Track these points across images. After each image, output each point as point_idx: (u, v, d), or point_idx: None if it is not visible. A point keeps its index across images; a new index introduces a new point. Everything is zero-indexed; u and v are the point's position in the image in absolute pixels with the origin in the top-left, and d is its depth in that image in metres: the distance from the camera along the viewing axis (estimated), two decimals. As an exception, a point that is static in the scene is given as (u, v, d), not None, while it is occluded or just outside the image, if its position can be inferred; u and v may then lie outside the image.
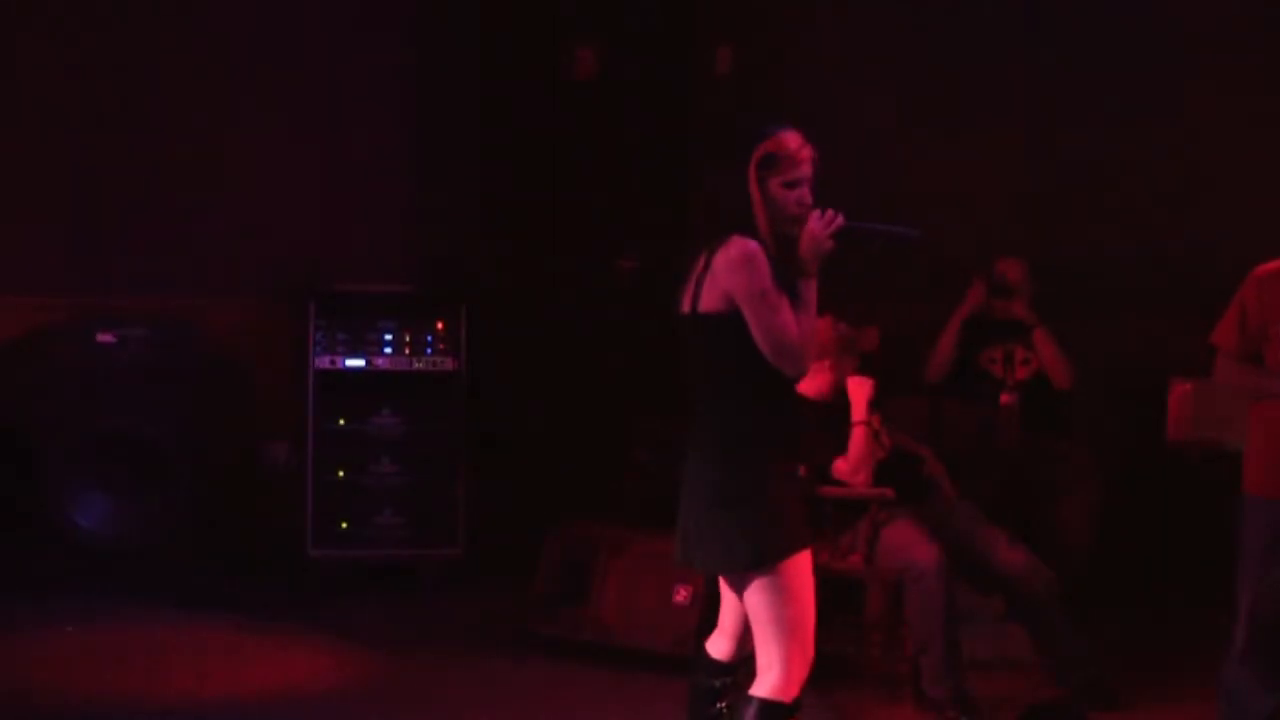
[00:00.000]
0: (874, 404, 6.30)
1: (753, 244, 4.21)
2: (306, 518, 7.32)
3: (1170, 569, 7.12)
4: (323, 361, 7.37)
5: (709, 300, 4.23)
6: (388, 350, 7.42)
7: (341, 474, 7.37)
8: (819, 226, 4.33)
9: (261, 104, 7.91)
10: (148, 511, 7.25)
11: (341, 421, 7.38)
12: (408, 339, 7.44)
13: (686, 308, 4.30)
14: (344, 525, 7.36)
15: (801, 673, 4.23)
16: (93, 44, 7.78)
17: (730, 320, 4.19)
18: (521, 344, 7.71)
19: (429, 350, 7.44)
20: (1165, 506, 7.22)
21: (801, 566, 4.25)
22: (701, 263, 4.27)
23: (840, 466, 6.30)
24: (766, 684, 4.22)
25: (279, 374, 7.62)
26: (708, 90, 8.08)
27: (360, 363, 7.40)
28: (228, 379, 7.73)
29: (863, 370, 6.44)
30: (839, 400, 6.34)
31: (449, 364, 7.44)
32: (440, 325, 7.45)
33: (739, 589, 4.30)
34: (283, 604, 7.02)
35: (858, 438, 6.30)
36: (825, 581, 6.27)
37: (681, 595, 6.30)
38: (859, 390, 6.36)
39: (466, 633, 6.79)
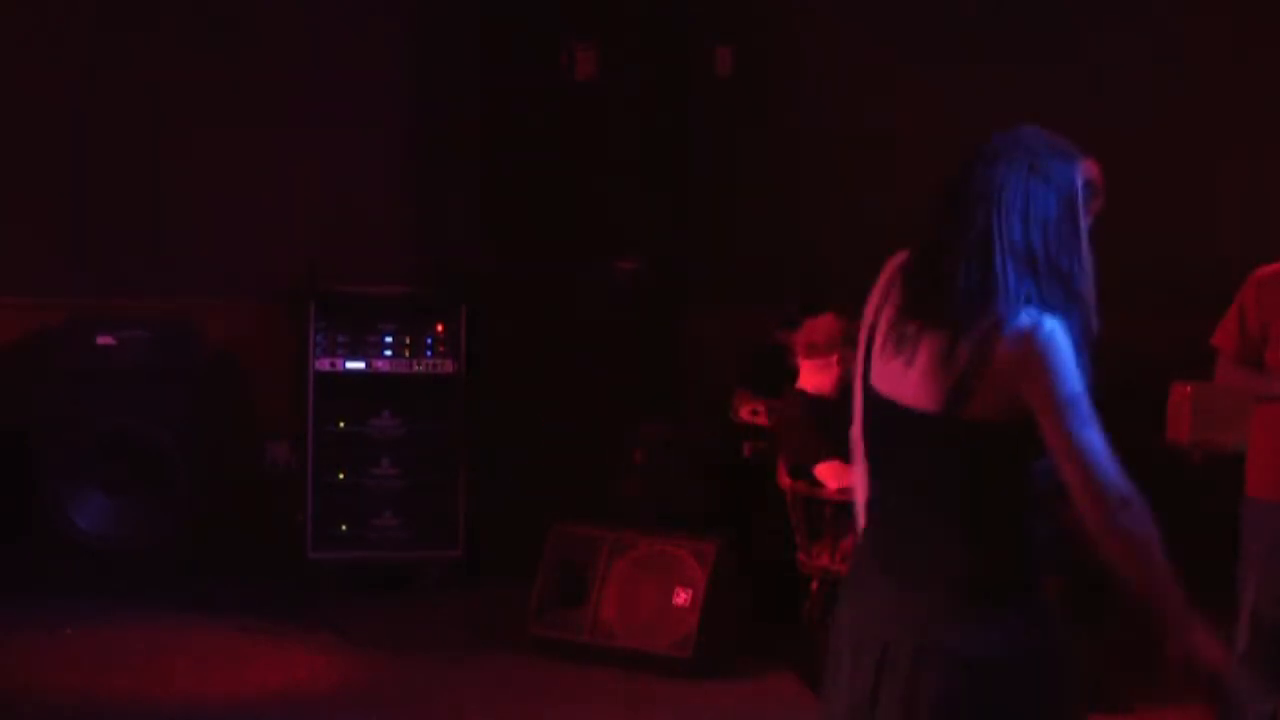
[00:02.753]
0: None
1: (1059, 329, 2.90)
2: (307, 519, 7.31)
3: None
4: (323, 363, 7.37)
5: (982, 404, 2.91)
6: (388, 352, 7.42)
7: (341, 476, 7.37)
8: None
9: (261, 105, 7.90)
10: (148, 513, 7.25)
11: (341, 423, 7.37)
12: (408, 341, 7.43)
13: (920, 401, 2.95)
14: (344, 527, 7.36)
15: None
16: (93, 45, 7.77)
17: (1007, 430, 2.95)
18: (521, 345, 7.71)
19: (429, 352, 7.44)
20: (1165, 508, 7.20)
21: None
22: (947, 339, 2.91)
23: (823, 469, 6.28)
24: None
25: (279, 376, 7.62)
26: (708, 91, 8.08)
27: (360, 365, 7.40)
28: (228, 381, 7.73)
29: None
30: (843, 399, 6.34)
31: (449, 366, 7.44)
32: (440, 327, 7.45)
33: None
34: (283, 605, 7.01)
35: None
36: (825, 583, 6.31)
37: (681, 597, 6.30)
38: None
39: (466, 633, 6.79)
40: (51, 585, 7.08)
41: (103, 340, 7.29)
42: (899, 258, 3.07)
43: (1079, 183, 2.99)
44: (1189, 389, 7.03)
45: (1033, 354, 2.86)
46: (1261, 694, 5.05)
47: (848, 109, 8.05)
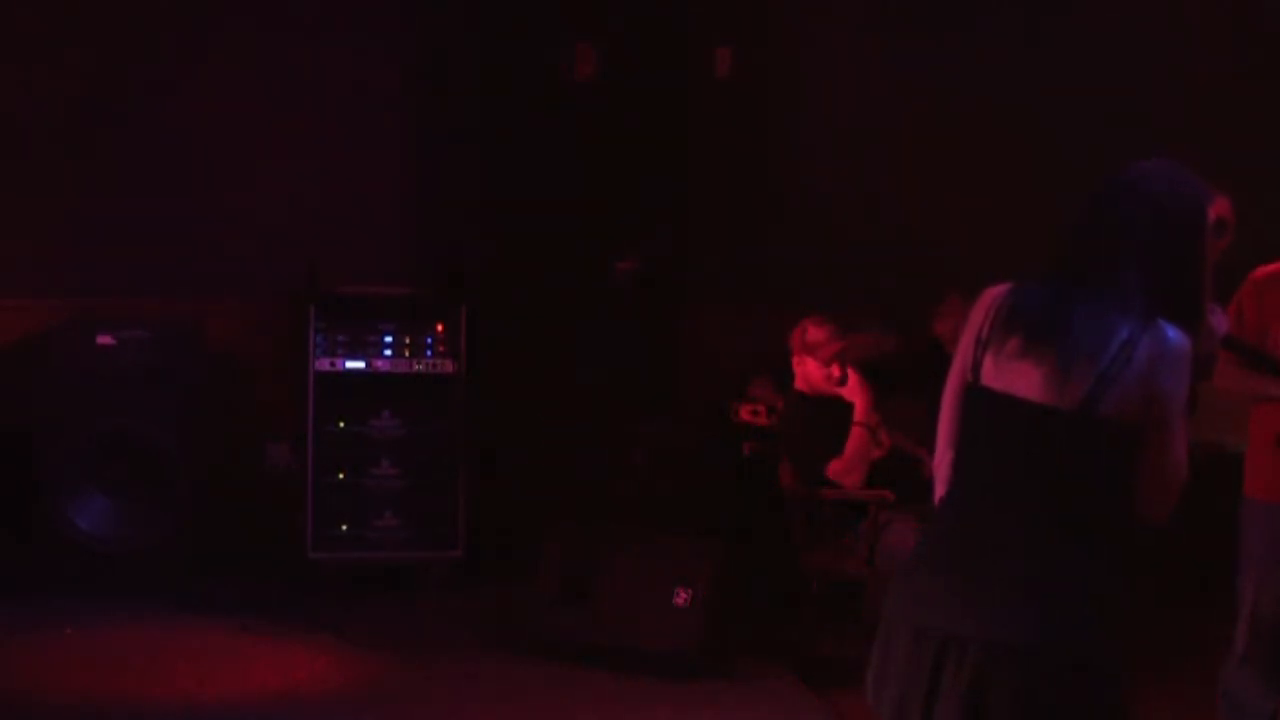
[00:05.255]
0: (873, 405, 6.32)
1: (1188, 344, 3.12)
2: (306, 520, 7.31)
3: (1171, 570, 7.11)
4: (323, 363, 7.37)
5: (1120, 401, 3.08)
6: (388, 352, 7.42)
7: (341, 476, 7.37)
8: (1221, 322, 3.36)
9: (261, 106, 7.90)
10: (147, 513, 7.25)
11: (341, 424, 7.37)
12: (408, 341, 7.43)
13: (1054, 398, 3.11)
14: (344, 527, 7.36)
15: None
16: (93, 45, 7.78)
17: (1134, 432, 3.11)
18: (521, 345, 7.71)
19: (429, 352, 7.44)
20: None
21: None
22: (1089, 341, 3.10)
23: (835, 466, 6.31)
24: None
25: (279, 376, 7.62)
26: (707, 91, 8.09)
27: (360, 365, 7.40)
28: (228, 381, 7.73)
29: (872, 375, 6.47)
30: (833, 398, 6.36)
31: (449, 366, 7.44)
32: (440, 327, 7.45)
33: None
34: (283, 605, 7.01)
35: (856, 439, 6.32)
36: (826, 584, 6.31)
37: (681, 597, 6.30)
38: (862, 391, 6.37)
39: (466, 633, 6.78)
40: (51, 585, 7.08)
41: (103, 340, 7.29)
42: (999, 289, 3.24)
43: (1208, 220, 3.22)
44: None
45: (1172, 355, 3.07)
46: (1262, 694, 5.05)
47: (847, 109, 8.05)
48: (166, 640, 6.54)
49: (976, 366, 3.19)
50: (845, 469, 6.28)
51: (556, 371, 7.67)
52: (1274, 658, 5.04)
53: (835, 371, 6.45)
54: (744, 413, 7.24)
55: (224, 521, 7.44)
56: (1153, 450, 3.12)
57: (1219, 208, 3.23)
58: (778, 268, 8.07)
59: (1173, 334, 3.09)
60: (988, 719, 3.09)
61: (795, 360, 6.62)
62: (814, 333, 6.52)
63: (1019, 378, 3.13)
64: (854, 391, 6.44)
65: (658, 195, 7.87)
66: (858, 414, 6.34)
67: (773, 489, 6.59)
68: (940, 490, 3.28)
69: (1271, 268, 5.07)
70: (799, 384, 6.64)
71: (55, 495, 7.15)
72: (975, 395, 3.20)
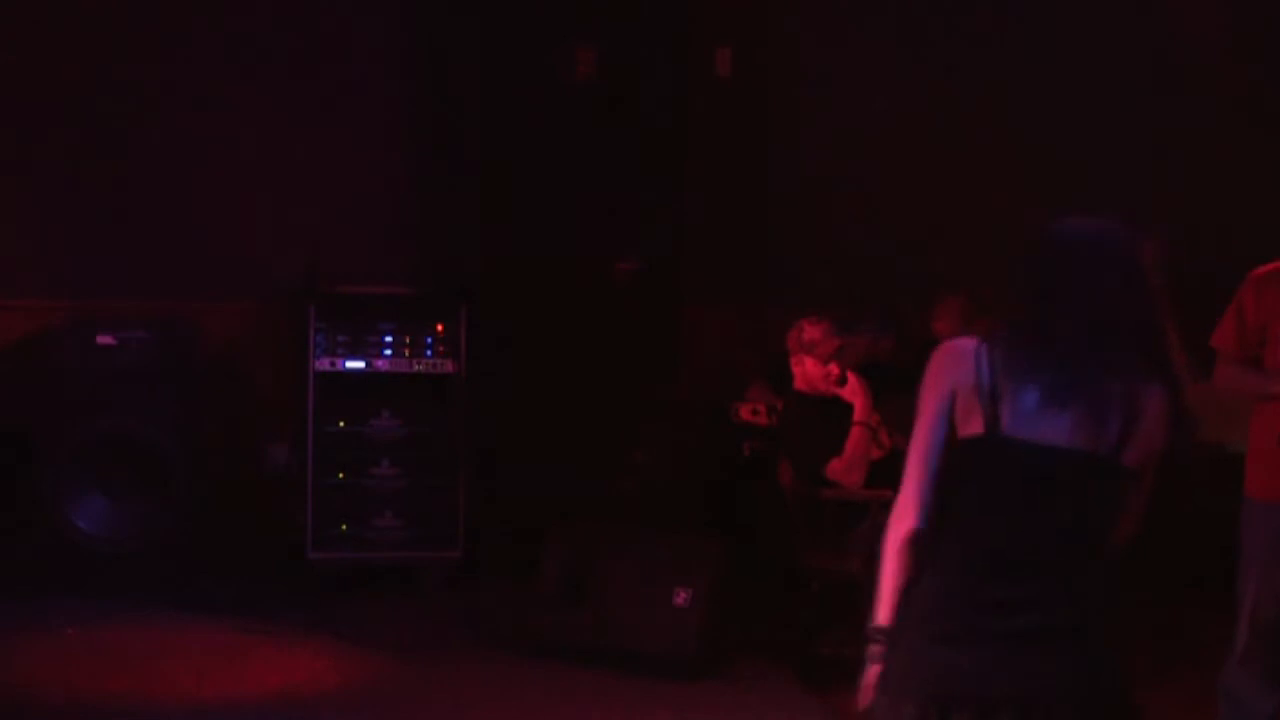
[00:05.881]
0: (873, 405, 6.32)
1: None
2: (306, 520, 7.31)
3: (1171, 570, 7.11)
4: (323, 363, 7.36)
5: (1137, 451, 3.23)
6: (387, 352, 7.42)
7: (341, 476, 7.36)
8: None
9: (261, 106, 7.91)
10: (148, 513, 7.25)
11: (341, 424, 7.37)
12: (407, 341, 7.43)
13: (1090, 444, 3.19)
14: (344, 527, 7.35)
15: None
16: (93, 46, 7.78)
17: (1138, 479, 3.28)
18: (521, 345, 7.71)
19: (429, 352, 7.44)
20: (1165, 508, 7.20)
21: None
22: (1114, 392, 3.21)
23: (835, 466, 6.31)
24: None
25: (279, 376, 7.62)
26: (707, 91, 8.09)
27: (360, 365, 7.39)
28: (228, 381, 7.73)
29: (873, 373, 6.47)
30: (832, 398, 6.36)
31: (449, 366, 7.44)
32: (440, 327, 7.45)
33: None
34: (283, 606, 7.01)
35: (856, 438, 6.31)
36: (826, 584, 6.31)
37: (681, 597, 6.30)
38: (862, 392, 6.37)
39: (466, 633, 6.79)
40: (51, 585, 7.08)
41: (103, 340, 7.29)
42: (969, 343, 3.27)
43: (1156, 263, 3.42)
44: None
45: (1173, 412, 3.23)
46: (1261, 693, 5.05)
47: (847, 109, 8.05)
48: (166, 640, 6.54)
49: (993, 417, 3.18)
50: (845, 469, 6.28)
51: (556, 371, 7.67)
52: (1274, 658, 5.04)
53: (834, 370, 6.46)
54: (744, 413, 7.24)
55: (224, 521, 7.44)
56: (1134, 492, 3.26)
57: (1157, 248, 3.46)
58: (777, 268, 8.07)
59: (1174, 387, 3.26)
60: None
61: (794, 360, 6.62)
62: (810, 331, 6.53)
63: (1049, 427, 3.18)
64: (854, 392, 6.45)
65: (658, 195, 7.86)
66: (857, 414, 6.34)
67: (773, 489, 6.59)
68: (904, 529, 3.23)
69: (1271, 266, 5.07)
70: (798, 384, 6.64)
71: (55, 495, 7.15)
72: (996, 445, 3.19)
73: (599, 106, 7.82)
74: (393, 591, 7.35)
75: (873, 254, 7.91)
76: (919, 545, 3.22)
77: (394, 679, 6.26)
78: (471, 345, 7.44)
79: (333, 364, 7.37)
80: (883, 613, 3.26)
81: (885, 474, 6.19)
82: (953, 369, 3.25)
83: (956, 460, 3.23)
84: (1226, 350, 5.11)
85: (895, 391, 6.74)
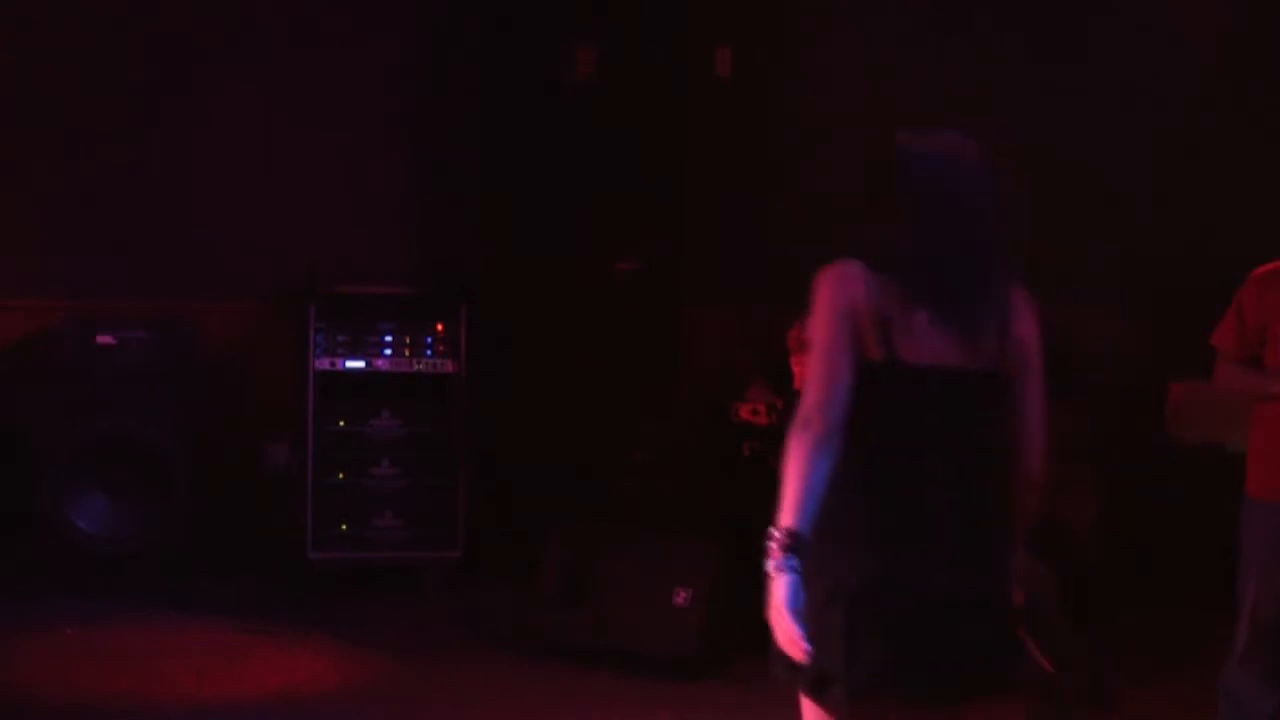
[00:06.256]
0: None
1: None
2: (306, 520, 7.31)
3: (1171, 570, 7.12)
4: (323, 363, 7.36)
5: (1011, 356, 3.43)
6: (387, 352, 7.42)
7: (341, 476, 7.36)
8: None
9: (261, 106, 7.91)
10: (147, 513, 7.25)
11: (341, 423, 7.37)
12: (407, 341, 7.43)
13: (967, 362, 3.39)
14: (344, 527, 7.35)
15: None
16: (92, 47, 7.78)
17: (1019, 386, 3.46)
18: (521, 345, 7.71)
19: (429, 352, 7.44)
20: (1165, 507, 7.22)
21: None
22: (988, 306, 3.41)
23: None
24: None
25: (279, 376, 7.62)
26: (707, 91, 8.09)
27: (360, 364, 7.39)
28: (227, 381, 7.73)
29: None
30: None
31: (449, 366, 7.44)
32: (440, 327, 7.45)
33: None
34: (282, 606, 7.01)
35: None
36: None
37: (681, 597, 6.30)
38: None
39: (466, 633, 6.79)
40: (51, 585, 7.08)
41: (103, 340, 7.29)
42: (853, 268, 3.40)
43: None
44: (1189, 388, 7.03)
45: (1030, 307, 3.45)
46: (1261, 693, 5.05)
47: (847, 109, 8.05)
48: (166, 640, 6.54)
49: (889, 344, 3.33)
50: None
51: (556, 371, 7.67)
52: (1274, 657, 5.04)
53: None
54: (744, 412, 7.23)
55: (224, 521, 7.44)
56: (1026, 397, 3.42)
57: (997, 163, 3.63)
58: (777, 268, 8.07)
59: (1024, 295, 3.46)
60: (968, 668, 3.34)
61: (794, 360, 6.61)
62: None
63: (936, 348, 3.35)
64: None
65: (658, 195, 7.86)
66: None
67: (773, 489, 6.58)
68: (811, 436, 3.33)
69: (1271, 266, 5.06)
70: (798, 384, 6.63)
71: (55, 495, 7.15)
72: (894, 369, 3.34)
73: (599, 106, 7.82)
74: (393, 591, 7.35)
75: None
76: (825, 452, 3.30)
77: (394, 679, 6.26)
78: (471, 345, 7.44)
79: (333, 364, 7.37)
80: (788, 516, 3.32)
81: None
82: (847, 290, 3.38)
83: (859, 385, 3.34)
84: (1226, 350, 5.11)
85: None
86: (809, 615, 3.25)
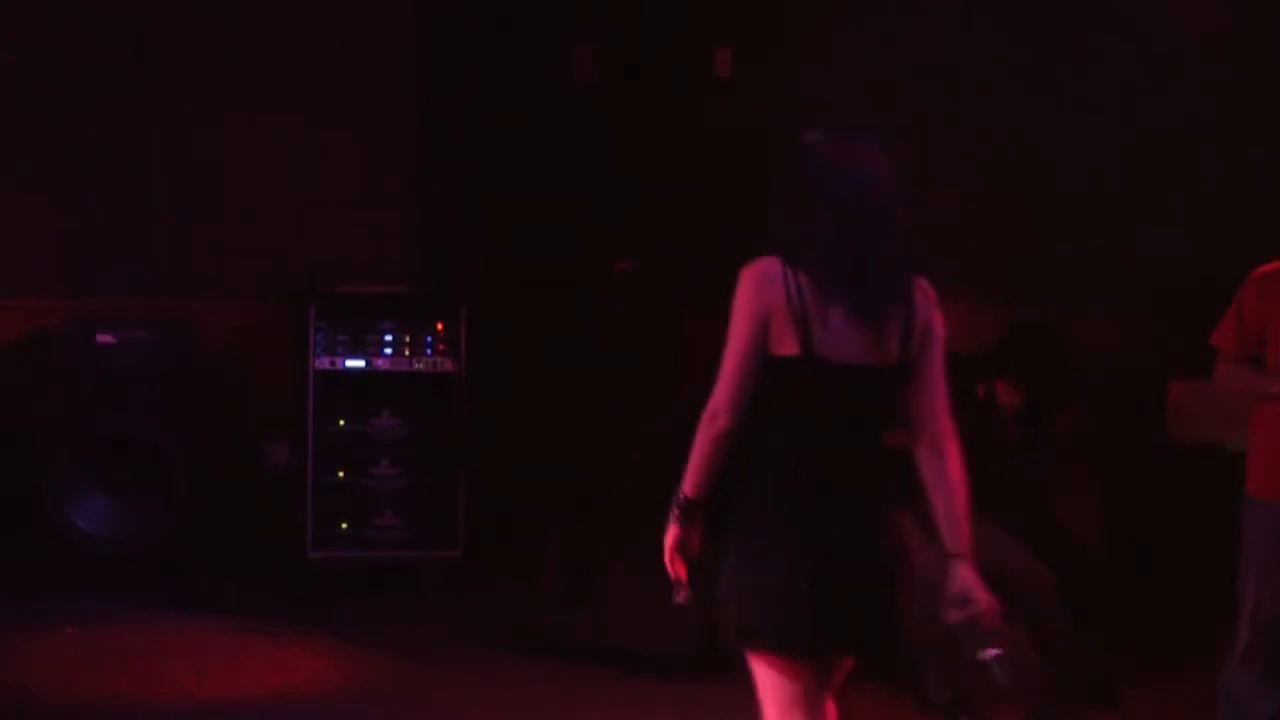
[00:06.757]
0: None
1: None
2: (306, 519, 7.31)
3: (1171, 570, 7.12)
4: (323, 362, 7.36)
5: (916, 347, 3.79)
6: (388, 351, 7.42)
7: (341, 475, 7.37)
8: None
9: (261, 106, 7.91)
10: (147, 513, 7.25)
11: (341, 423, 7.37)
12: (407, 340, 7.43)
13: (875, 360, 3.74)
14: (344, 527, 7.35)
15: None
16: (93, 47, 7.78)
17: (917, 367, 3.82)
18: (521, 344, 7.71)
19: (429, 351, 7.44)
20: (1165, 507, 7.22)
21: None
22: (898, 309, 3.76)
23: None
24: None
25: (279, 375, 7.62)
26: (707, 91, 8.09)
27: (360, 364, 7.39)
28: (228, 380, 7.73)
29: None
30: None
31: (449, 365, 7.44)
32: (440, 326, 7.45)
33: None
34: (282, 605, 7.01)
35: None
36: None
37: (682, 596, 6.29)
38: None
39: (466, 633, 6.79)
40: (51, 585, 7.08)
41: (103, 340, 7.29)
42: (771, 266, 3.78)
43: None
44: (1189, 387, 7.02)
45: (935, 301, 3.81)
46: (1262, 693, 5.05)
47: (847, 109, 8.04)
48: (166, 640, 6.54)
49: (807, 340, 3.67)
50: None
51: (556, 371, 7.67)
52: (1274, 657, 5.04)
53: None
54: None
55: (224, 521, 7.44)
56: (930, 374, 3.77)
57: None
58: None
59: (923, 283, 3.81)
60: (879, 607, 3.85)
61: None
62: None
63: (848, 343, 3.69)
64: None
65: (658, 195, 7.87)
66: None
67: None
68: (717, 429, 3.79)
69: (1271, 266, 5.06)
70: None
71: (55, 495, 7.15)
72: (811, 363, 3.68)
73: (599, 106, 7.82)
74: (393, 591, 7.35)
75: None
76: (726, 445, 3.77)
77: (394, 679, 6.26)
78: (471, 345, 7.44)
79: (333, 363, 7.37)
80: (690, 488, 3.84)
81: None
82: (767, 290, 3.72)
83: (773, 375, 3.71)
84: (1226, 349, 5.10)
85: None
86: (741, 577, 3.81)
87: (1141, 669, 6.30)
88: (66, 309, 7.52)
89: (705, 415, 3.82)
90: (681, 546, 3.90)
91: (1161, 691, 6.08)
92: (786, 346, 3.69)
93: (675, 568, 3.91)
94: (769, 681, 3.89)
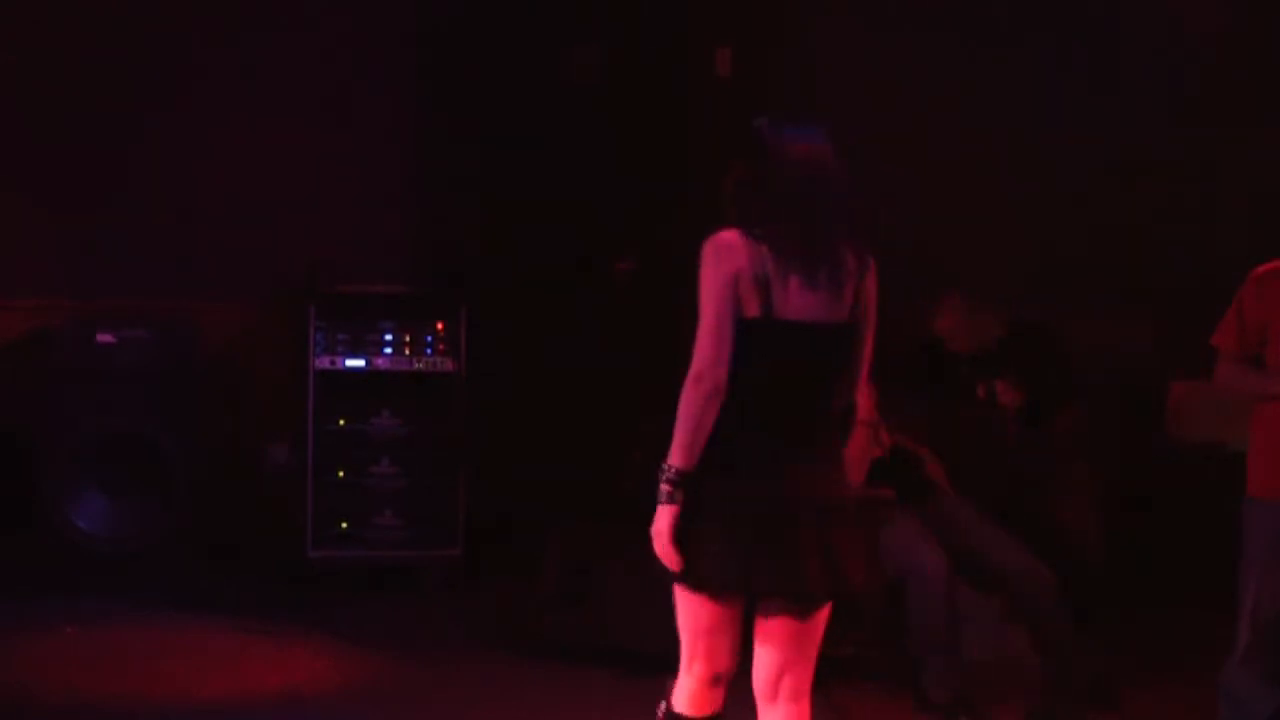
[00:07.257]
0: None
1: None
2: (306, 519, 7.31)
3: (1171, 570, 7.12)
4: (323, 362, 7.37)
5: (864, 308, 4.19)
6: (388, 351, 7.42)
7: (341, 475, 7.37)
8: None
9: (261, 106, 7.91)
10: (147, 512, 7.25)
11: (341, 422, 7.37)
12: (408, 339, 7.44)
13: (830, 316, 4.09)
14: (344, 526, 7.36)
15: None
16: (93, 47, 7.78)
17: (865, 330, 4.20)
18: (521, 344, 7.71)
19: (429, 351, 7.44)
20: (1165, 507, 7.22)
21: None
22: (847, 273, 4.12)
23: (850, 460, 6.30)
24: None
25: (279, 375, 7.62)
26: (707, 91, 8.08)
27: (360, 363, 7.40)
28: (228, 380, 7.73)
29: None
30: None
31: (449, 365, 7.44)
32: (440, 326, 7.45)
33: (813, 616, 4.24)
34: (282, 605, 7.01)
35: (857, 438, 6.30)
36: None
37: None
38: (864, 391, 6.35)
39: (466, 633, 6.79)
40: (51, 585, 7.08)
41: (103, 340, 7.29)
42: (733, 236, 4.06)
43: None
44: (1189, 387, 7.02)
45: (873, 265, 4.14)
46: (1262, 693, 5.05)
47: (848, 109, 8.04)
48: (166, 640, 6.54)
49: (768, 303, 3.95)
50: (846, 468, 6.26)
51: (556, 370, 7.67)
52: (1274, 657, 5.04)
53: None
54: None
55: (224, 521, 7.44)
56: (864, 343, 4.12)
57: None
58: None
59: (867, 253, 4.13)
60: (834, 554, 4.03)
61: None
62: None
63: (805, 305, 3.99)
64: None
65: (658, 195, 7.86)
66: (860, 413, 6.32)
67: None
68: (706, 389, 3.99)
69: (1271, 265, 5.07)
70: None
71: (55, 495, 7.15)
72: (769, 326, 3.97)
73: (599, 106, 7.81)
74: (393, 591, 7.35)
75: (871, 252, 7.89)
76: (714, 404, 3.98)
77: (394, 679, 6.26)
78: (471, 345, 7.45)
79: (333, 362, 7.37)
80: (679, 457, 4.03)
81: (885, 472, 6.18)
82: (734, 257, 4.00)
83: (738, 337, 3.97)
84: (1226, 349, 5.11)
85: (894, 390, 6.75)
86: (701, 524, 4.01)
87: (1141, 669, 6.30)
88: (66, 309, 7.52)
89: (690, 378, 4.03)
90: (678, 531, 4.05)
91: (1161, 691, 6.08)
92: (750, 309, 3.97)
93: (667, 554, 4.12)
94: (685, 609, 4.29)
